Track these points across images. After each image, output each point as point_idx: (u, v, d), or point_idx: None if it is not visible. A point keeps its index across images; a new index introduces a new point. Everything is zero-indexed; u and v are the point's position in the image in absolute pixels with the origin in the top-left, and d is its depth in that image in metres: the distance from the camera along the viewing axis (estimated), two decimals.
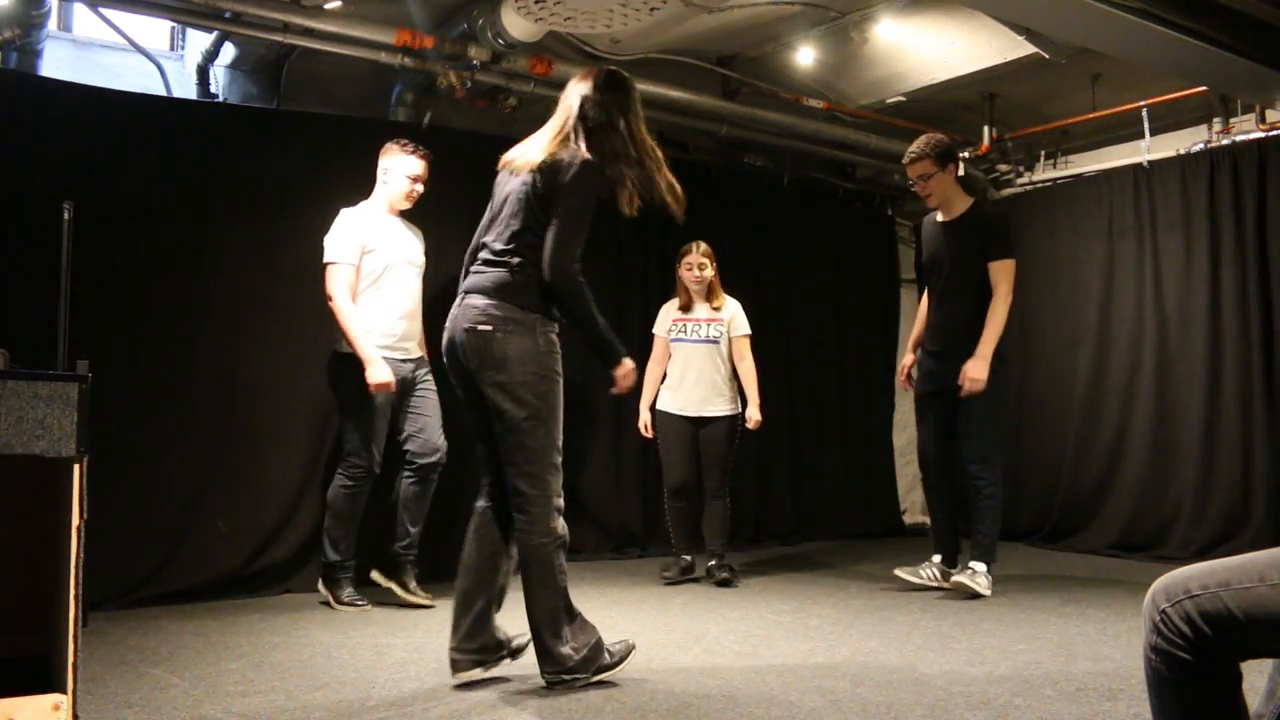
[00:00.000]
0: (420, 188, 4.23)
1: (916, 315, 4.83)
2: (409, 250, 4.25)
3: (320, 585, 4.17)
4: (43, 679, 2.20)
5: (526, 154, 2.93)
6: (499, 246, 2.89)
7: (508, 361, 2.78)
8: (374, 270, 4.10)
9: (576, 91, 2.96)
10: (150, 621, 3.80)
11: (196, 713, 2.64)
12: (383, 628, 3.74)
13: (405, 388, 4.14)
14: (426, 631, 3.66)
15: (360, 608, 4.05)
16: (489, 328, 2.80)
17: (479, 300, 2.85)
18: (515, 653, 2.98)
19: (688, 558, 4.82)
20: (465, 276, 2.98)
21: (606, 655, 2.92)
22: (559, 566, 2.83)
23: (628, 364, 2.98)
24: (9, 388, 1.96)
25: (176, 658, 3.24)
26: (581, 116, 2.92)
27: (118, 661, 3.17)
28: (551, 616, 2.82)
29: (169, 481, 4.29)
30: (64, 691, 2.05)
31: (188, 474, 4.33)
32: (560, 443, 2.87)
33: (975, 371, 4.23)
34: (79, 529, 2.01)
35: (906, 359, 4.76)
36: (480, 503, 2.97)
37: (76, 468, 2.02)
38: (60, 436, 2.00)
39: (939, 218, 4.56)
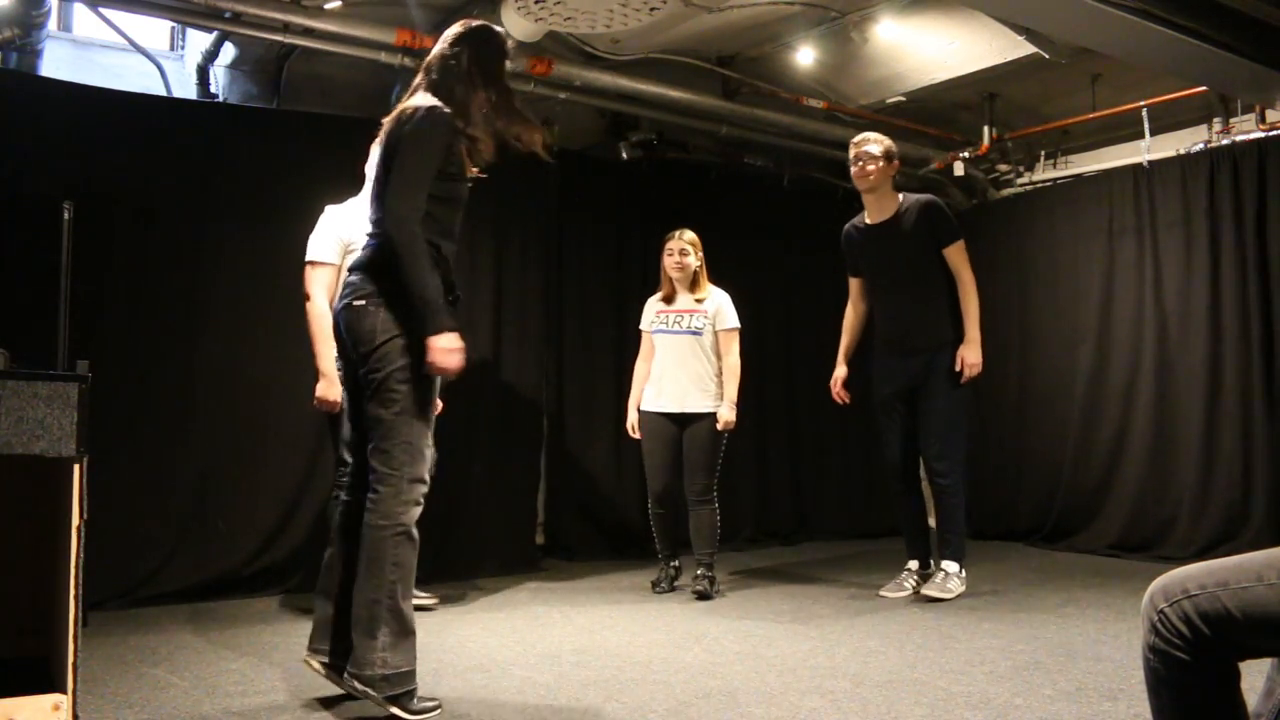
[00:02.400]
0: None
1: (843, 327, 4.69)
2: None
3: None
4: (43, 679, 2.20)
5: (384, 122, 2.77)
6: (373, 217, 2.75)
7: (375, 335, 2.59)
8: None
9: (432, 51, 2.81)
10: (150, 621, 3.80)
11: (196, 713, 2.64)
12: None
13: None
14: (426, 631, 3.65)
15: (422, 599, 3.82)
16: (361, 302, 2.63)
17: (354, 276, 2.70)
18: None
19: (676, 564, 4.59)
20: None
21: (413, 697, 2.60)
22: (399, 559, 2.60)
23: (445, 340, 2.57)
24: (9, 388, 1.96)
25: (176, 658, 3.24)
26: (426, 69, 2.78)
27: (118, 661, 3.17)
28: (373, 609, 2.56)
29: (169, 481, 4.30)
30: (64, 691, 2.05)
31: (188, 474, 4.34)
32: (429, 427, 2.67)
33: (973, 356, 4.23)
34: (79, 529, 2.01)
35: (839, 372, 4.62)
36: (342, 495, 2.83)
37: (76, 468, 2.03)
38: (60, 436, 2.00)
39: (867, 221, 4.48)
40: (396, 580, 2.57)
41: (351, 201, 4.05)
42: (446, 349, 2.57)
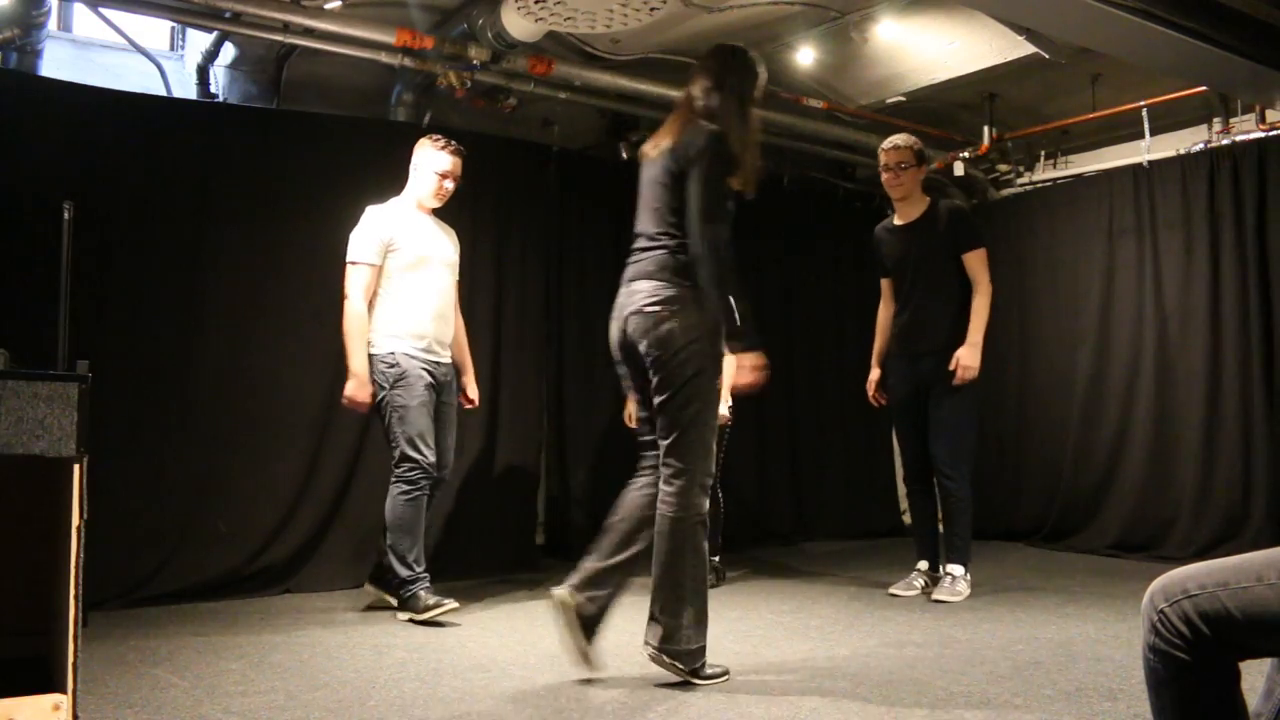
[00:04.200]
0: (450, 184, 4.02)
1: (877, 328, 4.72)
2: (440, 249, 4.05)
3: (397, 610, 3.88)
4: (43, 679, 2.20)
5: (658, 141, 3.02)
6: (652, 230, 2.97)
7: (672, 342, 2.84)
8: (400, 268, 3.91)
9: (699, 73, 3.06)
10: (150, 621, 3.81)
11: (196, 713, 2.64)
12: (383, 628, 3.74)
13: (434, 393, 3.95)
14: (426, 632, 3.67)
15: (448, 608, 3.77)
16: (657, 308, 2.86)
17: (643, 284, 2.92)
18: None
19: None
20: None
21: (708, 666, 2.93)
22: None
23: (753, 359, 2.90)
24: (9, 388, 1.96)
25: (176, 658, 3.24)
26: (696, 93, 3.02)
27: (118, 661, 3.17)
28: (677, 591, 2.84)
29: (169, 481, 4.30)
30: (64, 691, 2.05)
31: (188, 474, 4.33)
32: (716, 423, 2.95)
33: (969, 359, 4.24)
34: (79, 529, 2.01)
35: (874, 374, 4.68)
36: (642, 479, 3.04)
37: (76, 468, 2.03)
38: (60, 436, 2.00)
39: (896, 222, 4.55)
40: (697, 564, 2.86)
41: (393, 202, 4.05)
42: (754, 366, 2.88)
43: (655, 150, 3.00)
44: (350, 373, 3.82)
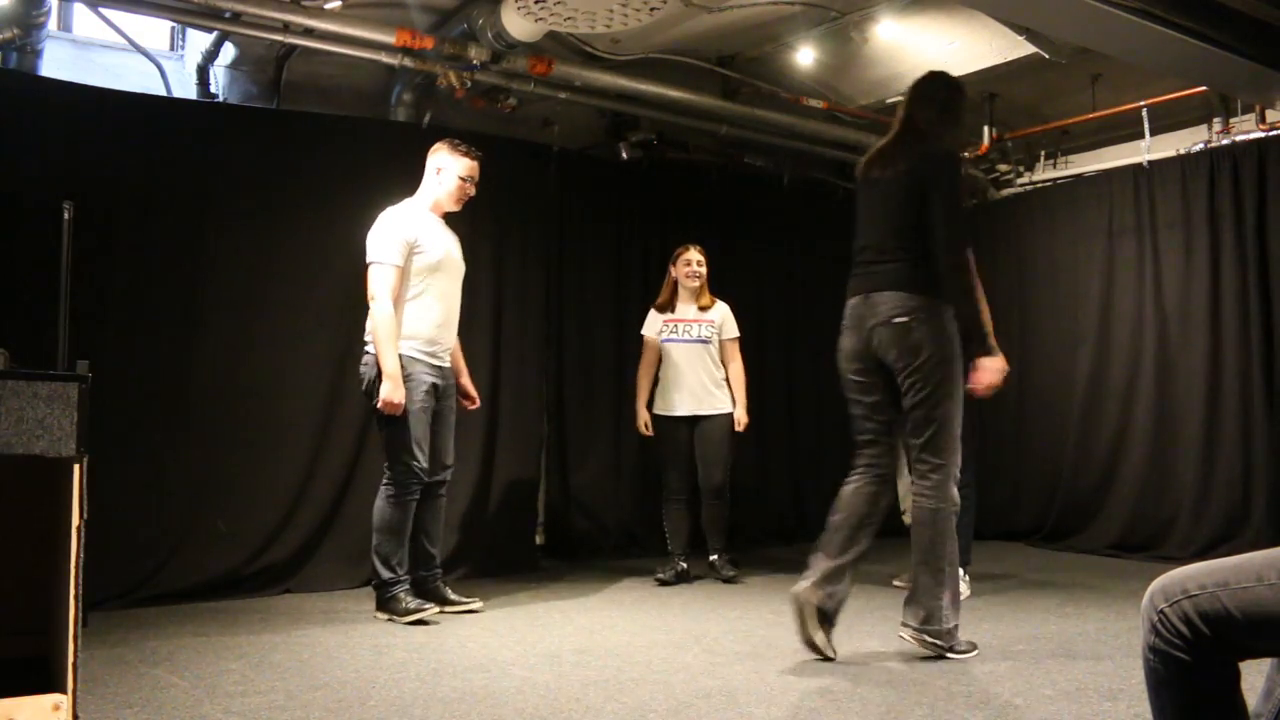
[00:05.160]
0: (472, 190, 4.06)
1: None
2: (455, 254, 4.06)
3: (375, 610, 3.89)
4: (43, 679, 2.20)
5: (883, 161, 3.29)
6: (888, 244, 3.20)
7: (922, 349, 3.09)
8: (420, 271, 3.89)
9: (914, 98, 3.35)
10: (150, 621, 3.80)
11: (196, 713, 2.64)
12: (383, 628, 3.74)
13: (434, 397, 3.95)
14: (426, 631, 3.67)
15: (427, 611, 3.79)
16: (905, 318, 3.11)
17: (887, 295, 3.15)
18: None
19: (684, 564, 4.80)
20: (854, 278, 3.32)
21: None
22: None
23: (994, 362, 3.14)
24: (9, 388, 1.96)
25: (176, 658, 3.24)
26: (915, 116, 3.30)
27: (118, 661, 3.17)
28: (937, 576, 3.10)
29: (169, 481, 4.30)
30: (64, 691, 2.05)
31: (188, 474, 4.33)
32: (960, 417, 3.18)
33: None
34: (79, 529, 2.01)
35: None
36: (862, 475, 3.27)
37: (76, 468, 2.02)
38: (60, 436, 2.00)
39: None
40: (953, 550, 3.15)
41: (408, 204, 4.03)
42: (996, 369, 3.13)
43: (885, 170, 3.25)
44: (385, 374, 3.76)
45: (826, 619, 3.17)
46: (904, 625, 3.17)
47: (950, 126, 3.31)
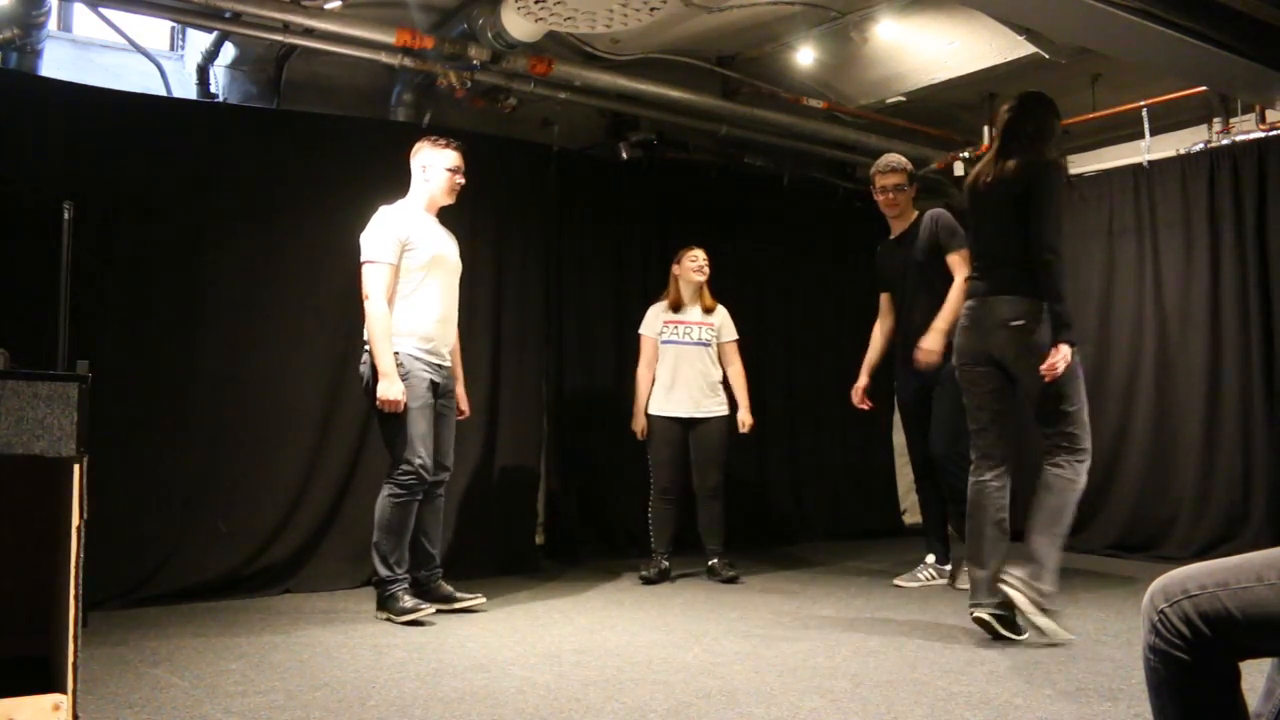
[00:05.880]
0: (461, 179, 4.07)
1: (871, 340, 4.97)
2: (450, 252, 4.08)
3: (376, 609, 3.90)
4: (43, 679, 2.20)
5: (991, 171, 3.55)
6: (1001, 250, 3.47)
7: (1043, 349, 3.34)
8: (414, 269, 3.91)
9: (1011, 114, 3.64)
10: (150, 621, 3.81)
11: (196, 713, 2.64)
12: (383, 628, 3.74)
13: (434, 394, 3.95)
14: (426, 631, 3.67)
15: (423, 611, 3.79)
16: (1022, 320, 3.38)
17: (1005, 299, 3.42)
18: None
19: (666, 562, 4.84)
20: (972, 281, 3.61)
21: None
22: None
23: (1068, 349, 3.33)
24: (9, 388, 1.96)
25: (176, 658, 3.24)
26: (1018, 131, 3.59)
27: (118, 661, 3.17)
28: (1055, 541, 3.35)
29: (169, 481, 4.29)
30: (64, 691, 2.05)
31: (188, 474, 4.33)
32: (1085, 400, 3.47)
33: (929, 343, 4.35)
34: (79, 529, 2.01)
35: (860, 382, 4.90)
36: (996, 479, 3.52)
37: (76, 468, 2.03)
38: (60, 436, 2.00)
39: (891, 236, 4.78)
40: (1070, 524, 3.42)
41: (402, 203, 4.04)
42: (1065, 357, 3.33)
43: (993, 181, 3.51)
44: (381, 373, 3.78)
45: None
46: (1010, 574, 3.32)
47: (1049, 139, 3.58)
